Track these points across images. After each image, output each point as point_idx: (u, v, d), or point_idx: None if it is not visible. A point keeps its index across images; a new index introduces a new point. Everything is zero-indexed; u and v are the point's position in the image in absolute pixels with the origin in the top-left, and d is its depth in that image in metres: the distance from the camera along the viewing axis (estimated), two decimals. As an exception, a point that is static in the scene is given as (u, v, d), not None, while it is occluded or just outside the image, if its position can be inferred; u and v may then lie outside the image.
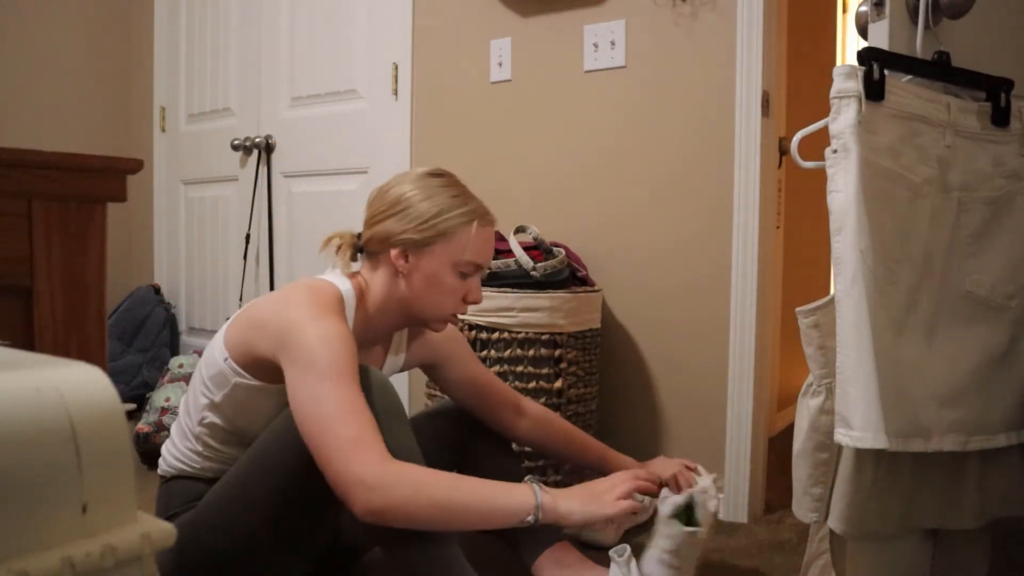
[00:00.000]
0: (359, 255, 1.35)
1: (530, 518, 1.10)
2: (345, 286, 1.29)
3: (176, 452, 1.31)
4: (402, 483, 1.03)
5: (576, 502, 1.14)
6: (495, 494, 1.10)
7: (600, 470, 1.48)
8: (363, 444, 1.04)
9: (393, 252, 1.28)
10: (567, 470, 1.79)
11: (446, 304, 1.31)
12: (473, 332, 1.77)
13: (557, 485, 1.75)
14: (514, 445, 1.57)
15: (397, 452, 1.08)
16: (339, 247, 1.34)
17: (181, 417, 1.33)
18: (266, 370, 1.20)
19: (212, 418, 1.26)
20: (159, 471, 1.34)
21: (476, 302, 1.33)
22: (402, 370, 1.49)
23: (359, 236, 1.35)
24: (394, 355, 1.45)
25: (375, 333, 1.36)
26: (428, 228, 1.26)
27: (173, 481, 1.30)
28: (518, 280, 1.79)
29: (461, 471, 1.53)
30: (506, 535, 1.40)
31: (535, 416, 1.53)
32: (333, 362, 1.10)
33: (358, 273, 1.35)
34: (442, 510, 1.05)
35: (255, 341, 1.20)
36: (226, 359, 1.23)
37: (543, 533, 1.37)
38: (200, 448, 1.28)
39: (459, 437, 1.49)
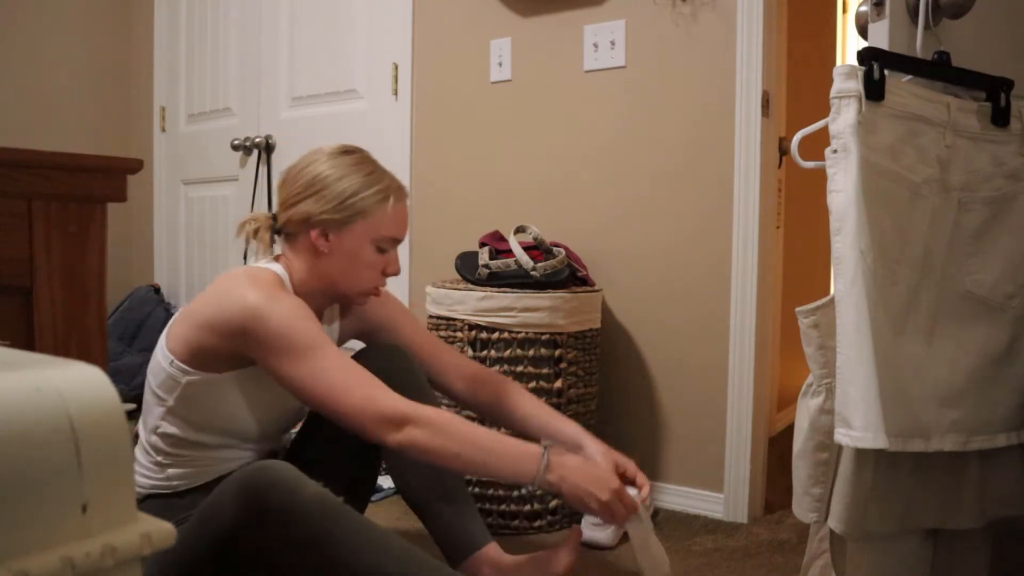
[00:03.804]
0: (276, 237, 1.36)
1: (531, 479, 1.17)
2: (277, 268, 1.31)
3: (141, 470, 1.33)
4: (422, 424, 1.16)
5: (576, 475, 1.17)
6: (505, 448, 1.19)
7: (551, 438, 1.34)
8: (377, 396, 1.17)
9: (313, 233, 1.30)
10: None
11: (368, 279, 1.34)
12: (473, 332, 1.77)
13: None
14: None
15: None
16: (256, 230, 1.35)
17: (139, 435, 1.34)
18: (219, 362, 1.23)
19: (166, 427, 1.28)
20: None
21: (395, 273, 1.37)
22: (338, 343, 1.47)
23: (275, 218, 1.36)
24: (327, 328, 1.45)
25: None
26: (346, 207, 1.29)
27: (146, 502, 1.31)
28: (518, 280, 1.79)
29: None
30: (437, 533, 1.36)
31: (474, 377, 1.48)
32: (309, 336, 1.18)
33: (282, 255, 1.36)
34: (455, 456, 1.17)
35: (203, 340, 1.22)
36: (171, 363, 1.25)
37: (474, 533, 1.34)
38: (159, 459, 1.30)
39: None
